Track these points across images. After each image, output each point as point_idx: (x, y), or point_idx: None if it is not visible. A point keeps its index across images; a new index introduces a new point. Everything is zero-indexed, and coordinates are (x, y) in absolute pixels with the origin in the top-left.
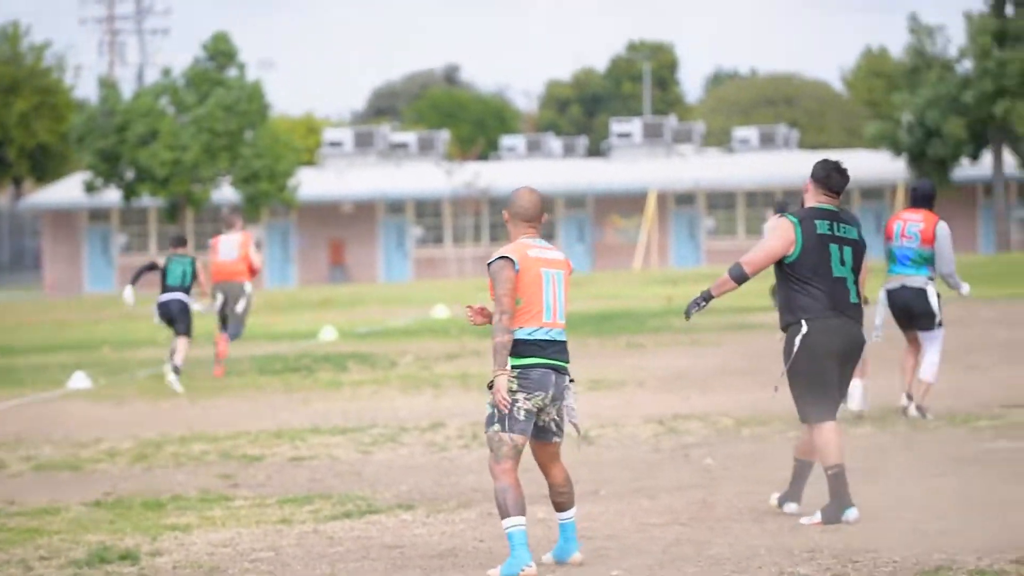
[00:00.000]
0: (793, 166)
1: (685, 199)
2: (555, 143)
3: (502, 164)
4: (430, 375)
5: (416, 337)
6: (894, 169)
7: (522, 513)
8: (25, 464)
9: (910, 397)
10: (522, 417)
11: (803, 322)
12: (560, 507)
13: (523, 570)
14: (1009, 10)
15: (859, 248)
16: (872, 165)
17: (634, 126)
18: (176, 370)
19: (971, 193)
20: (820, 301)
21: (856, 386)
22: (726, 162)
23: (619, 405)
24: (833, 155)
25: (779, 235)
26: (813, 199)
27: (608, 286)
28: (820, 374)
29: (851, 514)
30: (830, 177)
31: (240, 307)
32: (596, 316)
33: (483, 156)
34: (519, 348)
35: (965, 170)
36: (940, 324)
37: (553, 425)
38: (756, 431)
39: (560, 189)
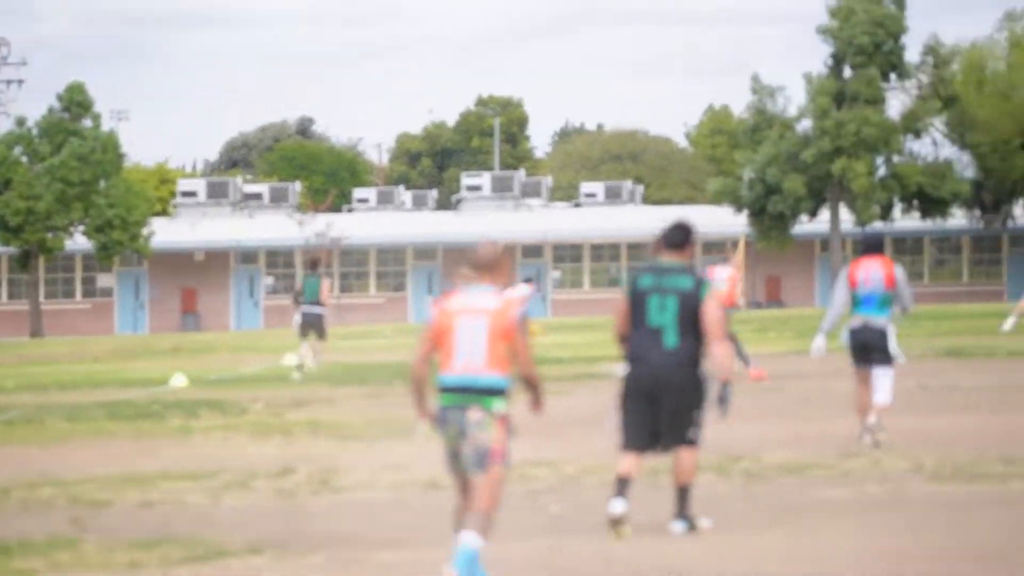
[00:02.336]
0: (638, 220)
1: (533, 251)
2: (406, 196)
3: (354, 216)
4: (280, 422)
5: (266, 384)
6: (736, 224)
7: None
8: None
9: (870, 430)
10: (446, 456)
11: (625, 365)
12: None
13: None
14: (847, 72)
15: (687, 298)
16: (714, 220)
17: (484, 180)
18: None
19: (809, 248)
20: (636, 347)
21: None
22: (573, 216)
23: None
24: (676, 210)
25: (622, 294)
26: (656, 254)
27: None
28: (629, 411)
29: (676, 526)
30: (668, 234)
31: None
32: None
33: (335, 208)
34: (440, 391)
35: (804, 226)
36: (894, 360)
37: (473, 458)
38: (600, 479)
39: (410, 241)
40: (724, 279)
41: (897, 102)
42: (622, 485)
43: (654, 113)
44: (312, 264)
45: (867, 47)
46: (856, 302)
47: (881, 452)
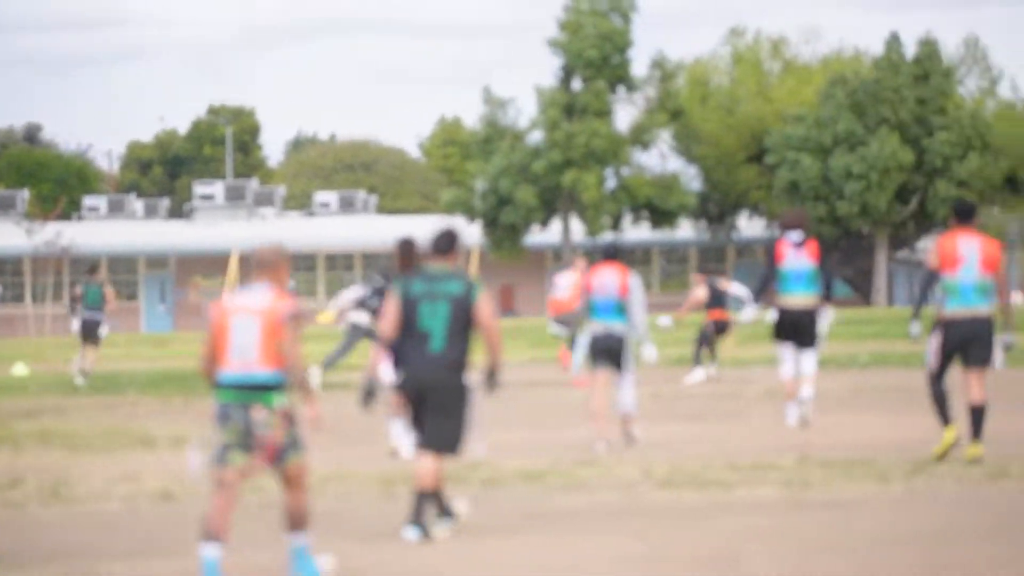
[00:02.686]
0: (372, 230)
1: None
2: (137, 204)
3: (84, 224)
4: (8, 432)
5: None
6: (469, 234)
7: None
8: None
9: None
10: (219, 450)
11: (397, 371)
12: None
13: None
14: (576, 85)
15: (457, 301)
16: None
17: (216, 188)
18: None
19: (541, 258)
20: (407, 352)
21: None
22: (307, 225)
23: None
24: (410, 220)
25: (391, 300)
26: (430, 261)
27: (191, 345)
28: (412, 412)
29: (410, 532)
30: (435, 240)
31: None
32: (179, 375)
33: (65, 216)
34: (220, 388)
35: (536, 236)
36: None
37: (267, 459)
38: (339, 488)
39: (142, 249)
40: (567, 286)
41: (625, 115)
42: (420, 504)
43: (387, 123)
44: (92, 271)
45: (596, 60)
46: (593, 309)
47: (614, 459)
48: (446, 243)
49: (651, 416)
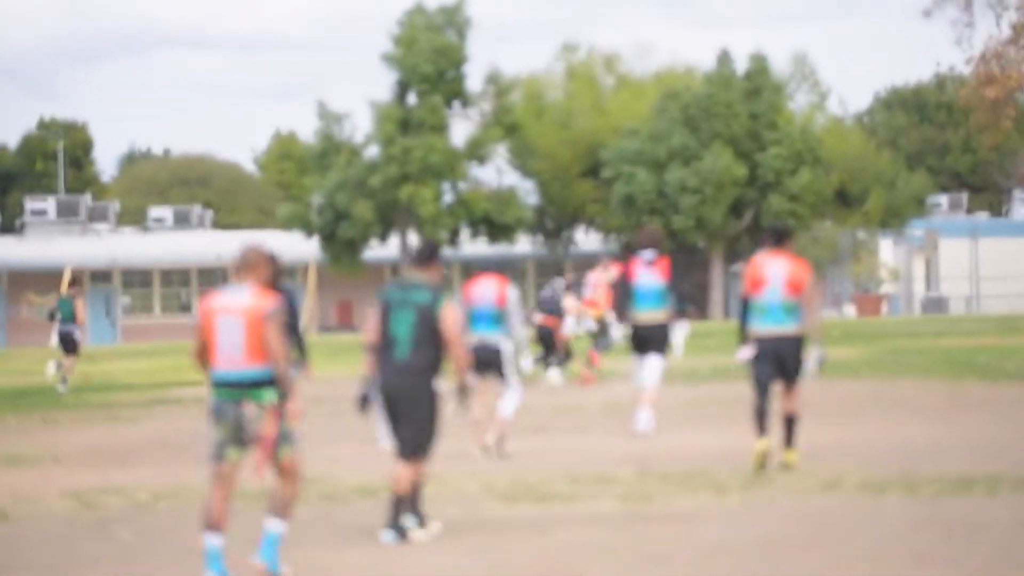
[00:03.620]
0: (207, 245)
1: (102, 276)
2: None
3: None
4: None
5: None
6: (307, 249)
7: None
8: None
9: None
10: (215, 446)
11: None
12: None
13: None
14: (412, 100)
15: (423, 310)
16: (285, 246)
17: (49, 204)
18: None
19: (379, 273)
20: (380, 357)
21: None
22: (142, 241)
23: (36, 481)
24: (247, 235)
25: (376, 308)
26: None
27: (24, 362)
28: (388, 419)
29: (386, 536)
30: (416, 252)
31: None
32: (11, 392)
33: None
34: (213, 386)
35: (374, 251)
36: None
37: (259, 453)
38: (173, 504)
39: None
40: (594, 284)
41: (462, 129)
42: (396, 508)
43: (222, 138)
44: (69, 284)
45: (431, 75)
46: (471, 319)
47: (454, 473)
48: (424, 254)
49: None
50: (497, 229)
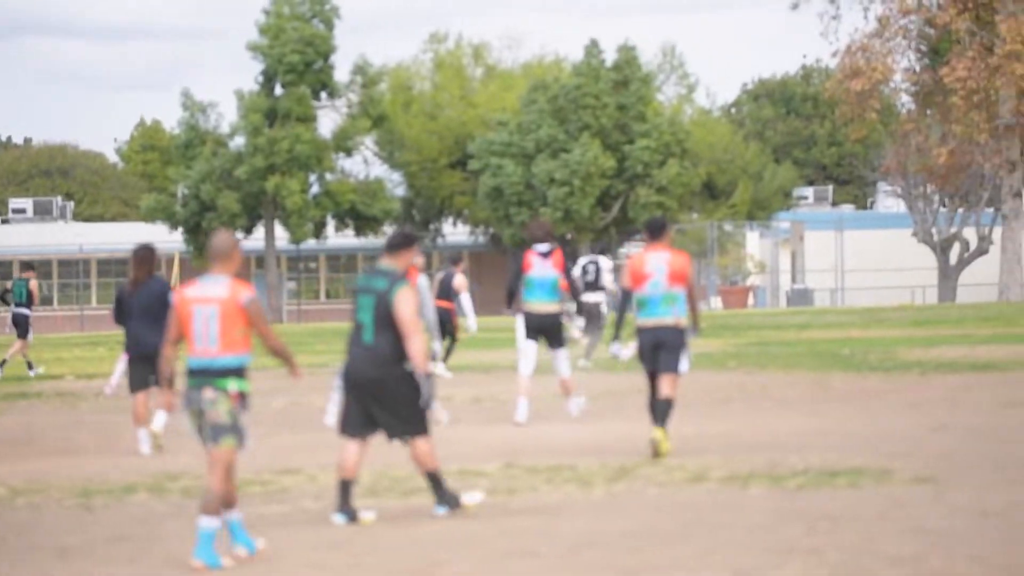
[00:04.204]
0: (69, 236)
1: None
2: None
3: None
4: None
5: None
6: (171, 240)
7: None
8: None
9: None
10: (195, 433)
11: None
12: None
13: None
14: (279, 90)
15: (380, 297)
16: (149, 237)
17: None
18: None
19: (245, 264)
20: (351, 340)
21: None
22: (1, 232)
23: None
24: (109, 227)
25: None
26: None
27: None
28: (345, 400)
29: (337, 518)
30: (388, 241)
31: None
32: None
33: None
34: (186, 374)
35: (240, 243)
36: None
37: (209, 432)
38: (32, 499)
39: None
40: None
41: (329, 121)
42: (344, 492)
43: (85, 127)
44: (25, 267)
45: (298, 65)
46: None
47: (317, 468)
48: (395, 243)
49: None
50: (364, 221)
